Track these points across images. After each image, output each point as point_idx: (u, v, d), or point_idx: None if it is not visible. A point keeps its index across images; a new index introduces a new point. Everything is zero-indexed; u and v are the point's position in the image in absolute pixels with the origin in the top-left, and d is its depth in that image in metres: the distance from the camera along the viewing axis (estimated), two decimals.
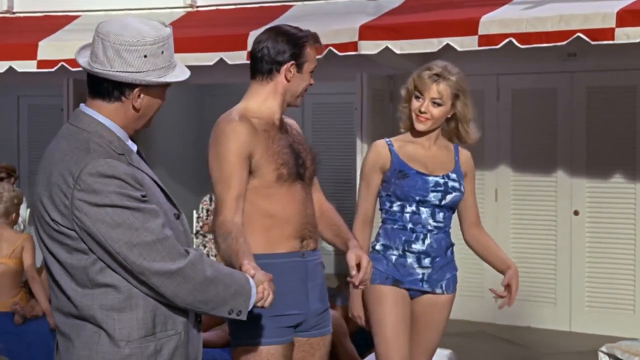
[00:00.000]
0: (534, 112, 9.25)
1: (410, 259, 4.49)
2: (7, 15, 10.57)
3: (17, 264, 7.14)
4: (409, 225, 4.50)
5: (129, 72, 2.95)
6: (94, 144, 2.95)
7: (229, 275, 3.08)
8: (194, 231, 10.10)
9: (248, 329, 3.76)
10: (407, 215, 4.50)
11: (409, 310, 4.49)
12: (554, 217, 9.14)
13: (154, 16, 9.57)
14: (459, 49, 7.59)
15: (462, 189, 4.53)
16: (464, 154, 4.66)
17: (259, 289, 3.14)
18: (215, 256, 10.77)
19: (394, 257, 4.50)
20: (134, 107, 3.01)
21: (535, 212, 9.29)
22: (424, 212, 4.48)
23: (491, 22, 7.45)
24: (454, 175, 4.52)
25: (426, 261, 4.49)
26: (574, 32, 7.05)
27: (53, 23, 10.05)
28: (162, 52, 2.97)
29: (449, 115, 4.52)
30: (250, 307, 3.10)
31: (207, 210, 10.94)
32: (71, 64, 8.84)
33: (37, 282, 7.03)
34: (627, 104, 8.79)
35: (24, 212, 9.88)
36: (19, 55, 9.31)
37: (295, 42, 3.86)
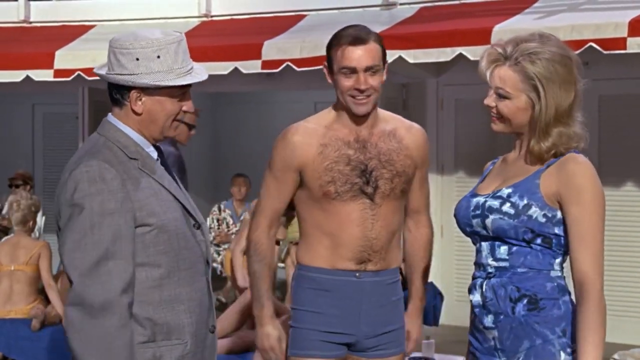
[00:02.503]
0: None
1: (477, 318, 3.19)
2: (24, 25, 10.64)
3: (33, 271, 7.21)
4: (475, 269, 3.21)
5: (123, 74, 3.01)
6: (103, 147, 3.02)
7: None
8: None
9: (300, 340, 3.82)
10: (475, 255, 3.22)
11: None
12: None
13: (169, 26, 9.66)
14: (471, 58, 7.62)
15: (508, 210, 3.05)
16: (563, 168, 3.08)
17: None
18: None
19: (473, 316, 3.22)
20: (133, 111, 3.06)
21: None
22: (484, 247, 3.15)
23: (504, 31, 7.47)
24: (506, 192, 3.09)
25: (488, 320, 3.12)
26: (586, 41, 7.06)
27: (69, 33, 10.11)
28: (158, 57, 3.01)
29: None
30: None
31: (218, 220, 11.00)
32: (87, 72, 8.91)
33: (53, 289, 7.10)
34: (639, 113, 8.81)
35: (40, 220, 9.96)
36: (36, 65, 9.38)
37: (328, 46, 3.80)
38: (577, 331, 2.99)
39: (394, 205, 3.83)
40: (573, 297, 3.09)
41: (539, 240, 3.07)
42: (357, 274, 3.78)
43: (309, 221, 3.82)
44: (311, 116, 3.89)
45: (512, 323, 3.06)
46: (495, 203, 3.07)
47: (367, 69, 3.71)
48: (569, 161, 3.07)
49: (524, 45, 3.07)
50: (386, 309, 3.88)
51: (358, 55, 3.69)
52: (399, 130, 3.88)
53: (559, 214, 3.07)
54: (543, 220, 3.05)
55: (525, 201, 3.05)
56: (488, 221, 3.07)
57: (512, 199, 3.05)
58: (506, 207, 3.05)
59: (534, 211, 3.05)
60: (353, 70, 3.70)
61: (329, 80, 3.79)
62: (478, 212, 3.11)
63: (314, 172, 3.73)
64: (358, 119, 3.78)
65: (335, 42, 3.73)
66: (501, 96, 3.09)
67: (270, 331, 3.85)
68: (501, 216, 3.05)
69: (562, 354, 3.04)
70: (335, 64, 3.72)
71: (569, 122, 3.09)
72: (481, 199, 3.12)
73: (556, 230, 3.07)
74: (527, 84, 3.04)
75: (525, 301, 3.05)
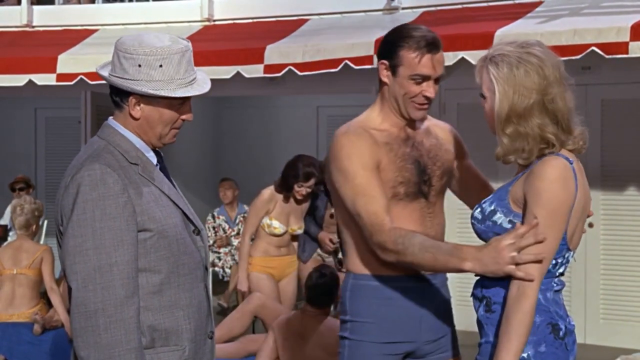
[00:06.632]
0: None
1: None
2: (27, 29, 10.66)
3: (36, 275, 7.22)
4: None
5: (124, 78, 2.99)
6: (104, 151, 3.00)
7: None
8: None
9: (359, 354, 3.62)
10: None
11: None
12: None
13: (172, 30, 9.66)
14: (474, 62, 7.54)
15: (477, 215, 3.16)
16: (531, 171, 3.05)
17: None
18: (230, 268, 10.85)
19: None
20: (131, 115, 3.04)
21: None
22: None
23: (506, 36, 7.48)
24: (487, 199, 3.18)
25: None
26: (588, 46, 7.08)
27: (72, 37, 10.13)
28: (161, 66, 2.98)
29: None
30: None
31: (214, 228, 11.00)
32: (90, 77, 8.92)
33: (55, 292, 7.11)
34: None
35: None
36: (39, 69, 9.39)
37: (392, 42, 3.56)
38: (506, 324, 2.97)
39: (442, 202, 3.72)
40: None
41: None
42: (417, 277, 3.60)
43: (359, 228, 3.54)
44: (358, 117, 3.65)
45: (477, 320, 3.17)
46: (474, 212, 3.17)
47: (437, 78, 3.57)
48: (539, 164, 3.02)
49: (500, 47, 3.10)
50: (442, 311, 3.73)
51: (436, 63, 3.54)
52: (431, 127, 3.75)
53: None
54: (509, 226, 3.05)
55: (492, 207, 3.09)
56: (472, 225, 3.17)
57: (483, 205, 3.12)
58: (476, 213, 3.14)
59: (499, 217, 3.07)
60: (426, 78, 3.53)
61: (385, 79, 3.57)
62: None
63: (389, 172, 3.53)
64: (405, 119, 3.61)
65: (408, 45, 3.51)
66: (482, 96, 3.11)
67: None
68: (473, 221, 3.14)
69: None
70: (404, 67, 3.51)
71: (523, 124, 3.04)
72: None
73: None
74: (491, 84, 3.05)
75: (484, 302, 3.14)
